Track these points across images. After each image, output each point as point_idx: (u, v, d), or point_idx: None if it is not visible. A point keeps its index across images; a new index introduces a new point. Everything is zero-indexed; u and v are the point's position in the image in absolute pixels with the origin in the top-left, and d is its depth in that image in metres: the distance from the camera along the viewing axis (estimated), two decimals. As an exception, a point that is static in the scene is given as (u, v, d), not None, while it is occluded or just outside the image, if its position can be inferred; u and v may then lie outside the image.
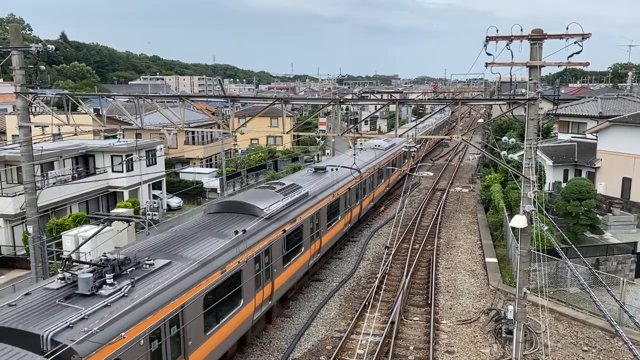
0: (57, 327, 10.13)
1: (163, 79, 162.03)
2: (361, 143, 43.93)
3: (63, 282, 12.02)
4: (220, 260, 15.03)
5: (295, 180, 25.81)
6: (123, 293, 11.67)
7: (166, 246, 15.21)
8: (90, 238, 14.69)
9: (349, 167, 30.78)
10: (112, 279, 11.96)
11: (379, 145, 40.96)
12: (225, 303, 15.31)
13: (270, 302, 18.86)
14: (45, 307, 11.05)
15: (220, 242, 15.64)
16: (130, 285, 12.00)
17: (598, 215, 30.29)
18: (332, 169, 28.93)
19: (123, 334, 10.76)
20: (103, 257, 12.93)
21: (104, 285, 11.79)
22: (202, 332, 14.03)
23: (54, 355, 9.23)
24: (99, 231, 14.56)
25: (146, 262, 13.40)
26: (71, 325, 10.28)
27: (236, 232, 16.27)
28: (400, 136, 17.38)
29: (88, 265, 12.60)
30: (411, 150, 42.42)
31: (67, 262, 12.50)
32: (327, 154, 53.59)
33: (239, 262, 15.88)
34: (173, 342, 12.74)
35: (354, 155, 31.96)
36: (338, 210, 27.09)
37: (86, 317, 10.62)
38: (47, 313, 10.81)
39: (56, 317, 10.63)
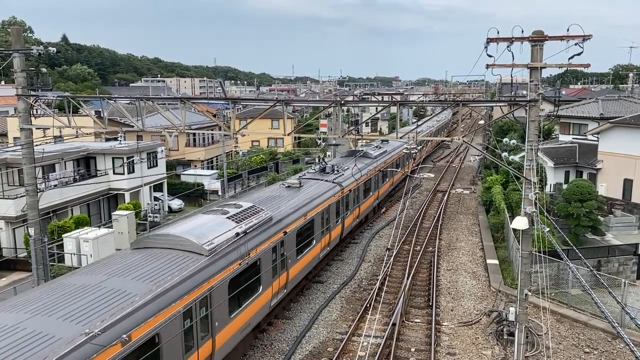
0: (331, 178, 26.98)
1: (164, 81, 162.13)
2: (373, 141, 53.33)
3: (313, 171, 29.08)
4: (363, 171, 31.70)
5: (374, 146, 41.46)
6: (342, 173, 28.78)
7: (339, 165, 31.11)
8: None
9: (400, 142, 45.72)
10: (337, 170, 29.14)
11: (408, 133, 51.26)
12: (364, 193, 31.85)
13: (376, 202, 36.42)
14: (317, 175, 27.89)
15: (359, 165, 31.81)
16: (342, 171, 29.24)
17: (599, 217, 30.23)
18: (388, 143, 44.12)
19: (352, 183, 28.75)
20: (328, 164, 30.58)
21: (333, 172, 28.54)
22: (357, 204, 30.37)
23: (336, 184, 26.63)
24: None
25: (340, 167, 30.31)
26: (335, 177, 27.35)
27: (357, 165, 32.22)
28: (401, 138, 17.45)
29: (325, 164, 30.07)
30: (412, 152, 42.62)
31: (322, 161, 32.58)
32: (329, 155, 53.57)
33: (373, 174, 34.10)
34: (349, 204, 28.60)
35: (412, 132, 45.04)
36: (398, 165, 43.51)
37: (336, 178, 27.37)
38: (319, 176, 27.52)
39: (324, 176, 27.54)
